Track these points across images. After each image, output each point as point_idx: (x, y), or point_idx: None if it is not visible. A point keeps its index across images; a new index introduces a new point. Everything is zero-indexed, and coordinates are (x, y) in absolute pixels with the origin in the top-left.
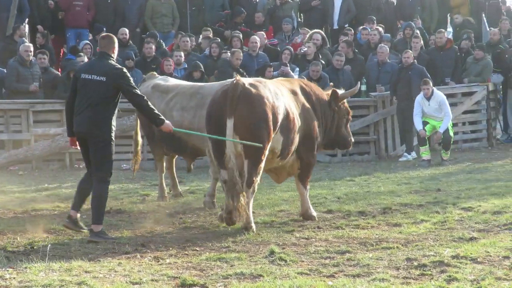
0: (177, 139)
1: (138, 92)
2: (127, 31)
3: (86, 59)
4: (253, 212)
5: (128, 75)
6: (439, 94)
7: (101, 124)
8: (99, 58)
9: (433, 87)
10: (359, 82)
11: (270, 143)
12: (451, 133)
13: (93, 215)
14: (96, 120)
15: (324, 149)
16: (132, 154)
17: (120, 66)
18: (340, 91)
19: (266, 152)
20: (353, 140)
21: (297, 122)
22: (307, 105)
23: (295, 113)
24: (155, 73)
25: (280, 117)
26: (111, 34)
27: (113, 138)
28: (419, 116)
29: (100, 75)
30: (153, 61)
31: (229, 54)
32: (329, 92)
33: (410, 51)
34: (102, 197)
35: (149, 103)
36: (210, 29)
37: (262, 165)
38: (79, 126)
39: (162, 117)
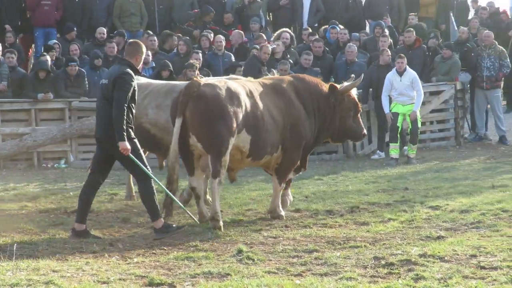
0: (152, 137)
1: (124, 102)
2: (104, 30)
3: (48, 58)
4: (221, 211)
5: (127, 81)
6: (411, 71)
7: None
8: (116, 63)
9: (407, 65)
10: (362, 74)
11: (234, 139)
12: (419, 124)
13: (149, 214)
14: (108, 122)
15: (332, 142)
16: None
17: (126, 71)
18: (346, 84)
19: (229, 146)
20: (365, 132)
21: (268, 121)
22: (296, 101)
23: (265, 112)
24: None
25: (241, 115)
26: (138, 41)
27: (132, 135)
28: (387, 95)
29: (105, 78)
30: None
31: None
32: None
33: (389, 50)
34: (148, 194)
35: (124, 118)
36: (169, 31)
37: (226, 158)
38: (96, 131)
39: (125, 137)
